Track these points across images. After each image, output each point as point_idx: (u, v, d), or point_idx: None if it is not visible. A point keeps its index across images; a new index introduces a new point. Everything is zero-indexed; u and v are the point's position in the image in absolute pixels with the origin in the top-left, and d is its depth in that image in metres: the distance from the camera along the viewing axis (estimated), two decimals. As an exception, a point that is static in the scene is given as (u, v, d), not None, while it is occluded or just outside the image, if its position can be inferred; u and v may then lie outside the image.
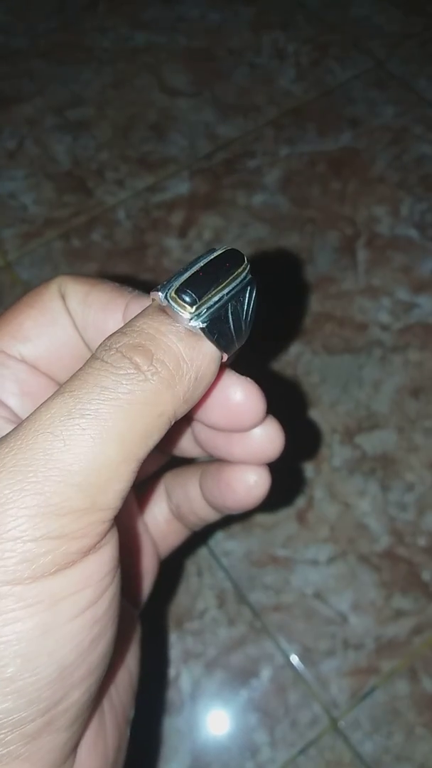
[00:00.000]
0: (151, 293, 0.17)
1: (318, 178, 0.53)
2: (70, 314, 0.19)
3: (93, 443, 0.14)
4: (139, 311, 0.17)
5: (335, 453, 0.43)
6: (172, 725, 0.37)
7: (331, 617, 0.39)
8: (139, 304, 0.18)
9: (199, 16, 0.63)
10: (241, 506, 0.21)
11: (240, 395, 0.18)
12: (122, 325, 0.18)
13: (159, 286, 0.16)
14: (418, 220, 0.51)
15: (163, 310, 0.16)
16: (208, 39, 0.61)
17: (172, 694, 0.38)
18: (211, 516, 0.23)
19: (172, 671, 0.38)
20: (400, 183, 0.53)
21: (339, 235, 0.51)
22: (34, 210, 0.52)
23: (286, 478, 0.43)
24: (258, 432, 0.20)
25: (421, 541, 0.41)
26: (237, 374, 0.19)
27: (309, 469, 0.43)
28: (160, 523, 0.25)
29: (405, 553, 0.40)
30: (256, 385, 0.19)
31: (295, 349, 0.46)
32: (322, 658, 0.38)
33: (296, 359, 0.46)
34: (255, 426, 0.19)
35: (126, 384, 0.15)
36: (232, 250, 0.17)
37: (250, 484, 0.20)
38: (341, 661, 0.38)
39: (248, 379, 0.19)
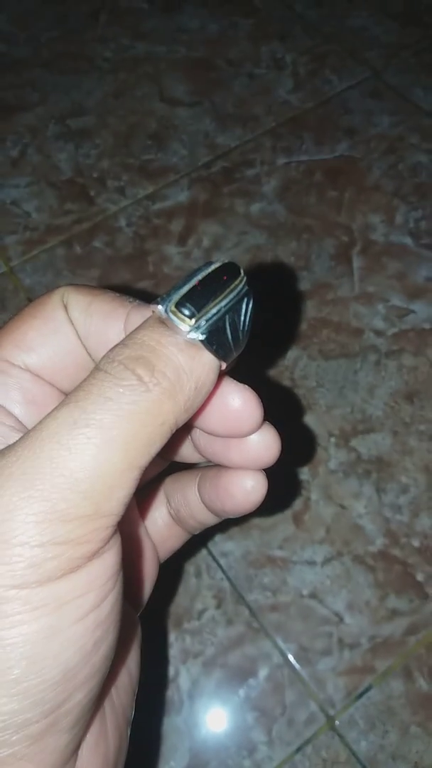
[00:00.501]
0: (151, 306, 0.17)
1: (315, 186, 0.54)
2: (72, 324, 0.20)
3: (98, 451, 0.15)
4: (140, 322, 0.18)
5: (331, 456, 0.44)
6: (170, 724, 0.38)
7: (327, 617, 0.40)
8: (139, 314, 0.19)
9: (198, 26, 0.64)
10: (239, 511, 0.22)
11: (238, 402, 0.19)
12: (123, 334, 0.19)
13: (159, 299, 0.17)
14: (413, 227, 0.52)
15: (163, 322, 0.17)
16: (208, 49, 0.62)
17: (170, 693, 0.38)
18: (210, 520, 0.24)
19: (170, 670, 0.39)
20: (395, 191, 0.54)
21: (335, 243, 0.51)
22: (36, 217, 0.53)
23: (283, 481, 0.43)
24: (255, 438, 0.20)
25: (415, 543, 0.41)
26: (235, 382, 0.19)
27: (305, 471, 0.44)
28: (160, 527, 0.25)
29: (399, 554, 0.41)
30: (254, 392, 0.19)
31: (292, 354, 0.47)
32: (319, 658, 0.39)
33: (293, 364, 0.47)
34: (252, 432, 0.20)
35: (129, 395, 0.15)
36: (230, 263, 0.17)
37: (247, 489, 0.21)
38: (337, 661, 0.39)
39: (246, 386, 0.19)
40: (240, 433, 0.19)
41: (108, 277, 0.50)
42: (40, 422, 0.15)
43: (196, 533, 0.26)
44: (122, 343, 0.16)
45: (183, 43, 0.63)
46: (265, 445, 0.20)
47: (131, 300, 0.19)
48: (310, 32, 0.63)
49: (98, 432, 0.15)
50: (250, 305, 0.18)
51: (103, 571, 0.16)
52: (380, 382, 0.46)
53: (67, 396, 0.16)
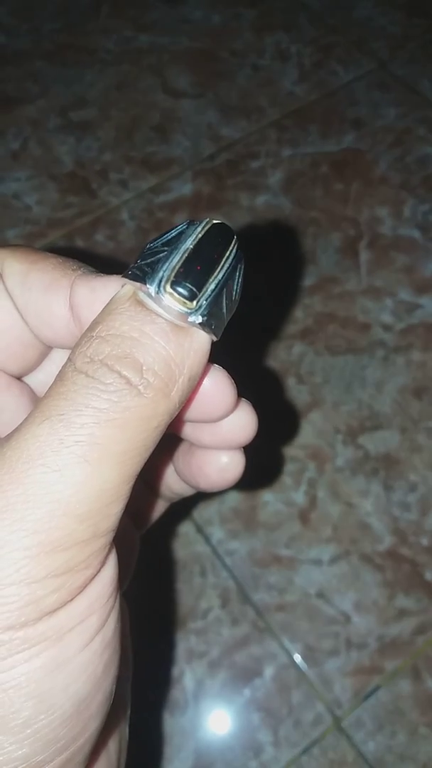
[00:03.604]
0: (122, 279, 0.15)
1: (321, 179, 0.53)
2: (9, 295, 0.17)
3: (92, 470, 0.13)
4: (87, 295, 0.16)
5: (338, 453, 0.43)
6: (175, 724, 0.37)
7: (335, 617, 0.39)
8: (86, 286, 0.16)
9: (202, 17, 0.63)
10: (215, 487, 0.20)
11: (207, 383, 0.16)
12: (68, 310, 0.17)
13: (135, 271, 0.14)
14: (421, 221, 0.51)
15: (139, 301, 0.14)
16: (211, 40, 0.62)
17: (175, 694, 0.38)
18: (187, 491, 0.22)
19: (175, 671, 0.38)
20: (402, 184, 0.53)
21: (342, 236, 0.51)
22: (37, 211, 0.53)
23: (289, 478, 0.43)
24: (228, 419, 0.18)
25: (424, 541, 0.41)
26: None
27: (312, 469, 0.43)
28: (138, 500, 0.23)
29: (408, 553, 0.40)
30: (225, 371, 0.17)
31: (298, 349, 0.46)
32: (326, 658, 0.38)
33: (299, 359, 0.46)
34: (225, 416, 0.17)
35: (118, 402, 0.13)
36: (220, 224, 0.15)
37: (221, 466, 0.19)
38: (344, 661, 0.38)
39: (216, 365, 0.17)
40: (211, 418, 0.17)
41: (110, 271, 0.50)
42: (18, 441, 0.13)
43: (174, 501, 0.24)
44: (98, 336, 0.14)
45: (186, 34, 0.62)
46: (239, 425, 0.18)
47: (75, 267, 0.17)
48: (315, 23, 0.63)
49: (89, 449, 0.13)
50: (243, 270, 0.16)
51: (103, 589, 0.14)
52: (388, 378, 0.45)
53: (41, 404, 0.14)
